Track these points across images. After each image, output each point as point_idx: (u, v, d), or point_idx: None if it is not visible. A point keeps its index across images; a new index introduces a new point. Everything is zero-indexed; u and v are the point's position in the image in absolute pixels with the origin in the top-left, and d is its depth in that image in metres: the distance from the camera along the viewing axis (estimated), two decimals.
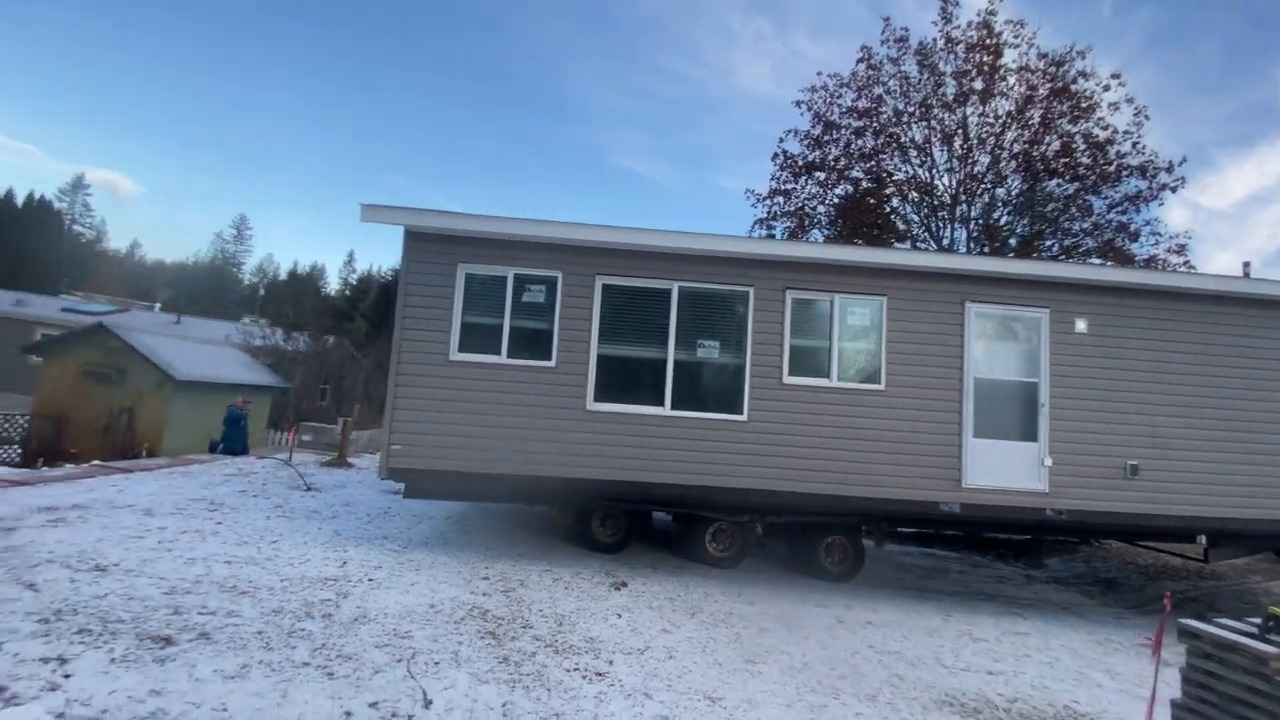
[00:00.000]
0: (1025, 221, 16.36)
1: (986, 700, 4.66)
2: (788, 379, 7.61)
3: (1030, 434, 7.68)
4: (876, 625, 6.10)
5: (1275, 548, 8.59)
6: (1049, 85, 15.36)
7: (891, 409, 7.61)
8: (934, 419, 7.62)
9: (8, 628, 3.50)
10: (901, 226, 17.44)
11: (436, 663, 3.90)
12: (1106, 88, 14.97)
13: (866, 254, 7.70)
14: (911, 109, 16.46)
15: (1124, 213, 15.22)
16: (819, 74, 18.11)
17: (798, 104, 17.84)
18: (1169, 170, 14.46)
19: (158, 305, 39.32)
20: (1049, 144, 15.50)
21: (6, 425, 12.30)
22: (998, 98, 15.80)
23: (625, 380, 7.63)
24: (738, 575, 7.61)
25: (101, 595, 4.20)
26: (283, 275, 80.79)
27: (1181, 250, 14.87)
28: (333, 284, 70.71)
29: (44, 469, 9.41)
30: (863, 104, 16.88)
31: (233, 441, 12.45)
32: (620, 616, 5.40)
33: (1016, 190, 16.16)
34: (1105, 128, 15.03)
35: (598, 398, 7.51)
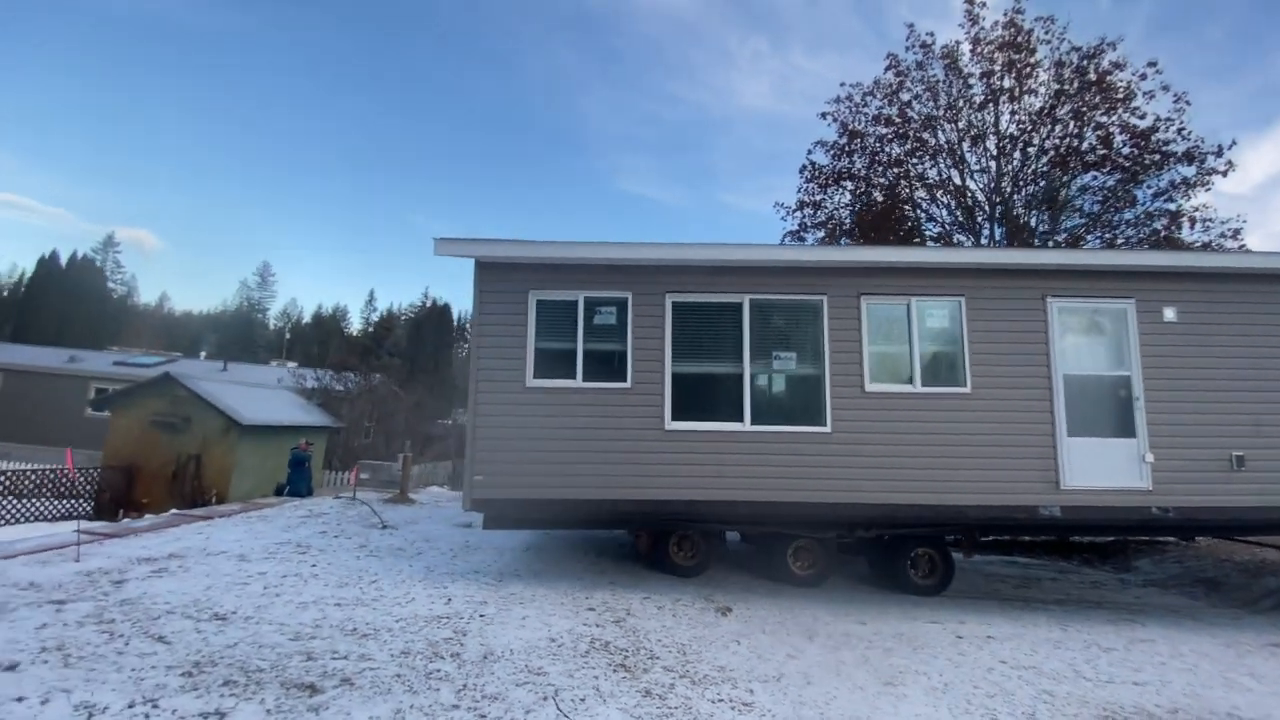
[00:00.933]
0: (1051, 216, 15.95)
1: (1147, 713, 4.33)
2: (870, 386, 7.38)
3: (1128, 430, 7.33)
4: (999, 639, 5.77)
5: None
6: (1079, 79, 15.12)
7: (979, 411, 7.33)
8: (1025, 419, 7.31)
9: (156, 683, 3.40)
10: (935, 231, 17.19)
11: (582, 699, 3.71)
12: (1143, 76, 14.69)
13: (941, 254, 7.49)
14: (940, 111, 16.32)
15: (1170, 200, 14.81)
16: (842, 84, 18.03)
17: (823, 115, 17.82)
18: (1218, 154, 14.07)
19: (203, 354, 40.20)
20: (1085, 138, 15.22)
21: (82, 479, 12.45)
22: (1028, 95, 15.60)
23: (702, 398, 7.47)
24: (832, 595, 7.32)
25: (232, 644, 4.10)
26: (307, 318, 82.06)
27: (1236, 234, 14.38)
28: (355, 323, 71.59)
29: (126, 519, 9.46)
30: (889, 111, 16.80)
31: (298, 483, 12.47)
32: (739, 643, 5.17)
33: (1044, 186, 15.82)
34: (1142, 116, 14.72)
35: (675, 416, 7.35)
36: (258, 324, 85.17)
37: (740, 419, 7.37)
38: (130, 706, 3.16)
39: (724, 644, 5.11)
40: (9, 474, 12.27)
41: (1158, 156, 14.38)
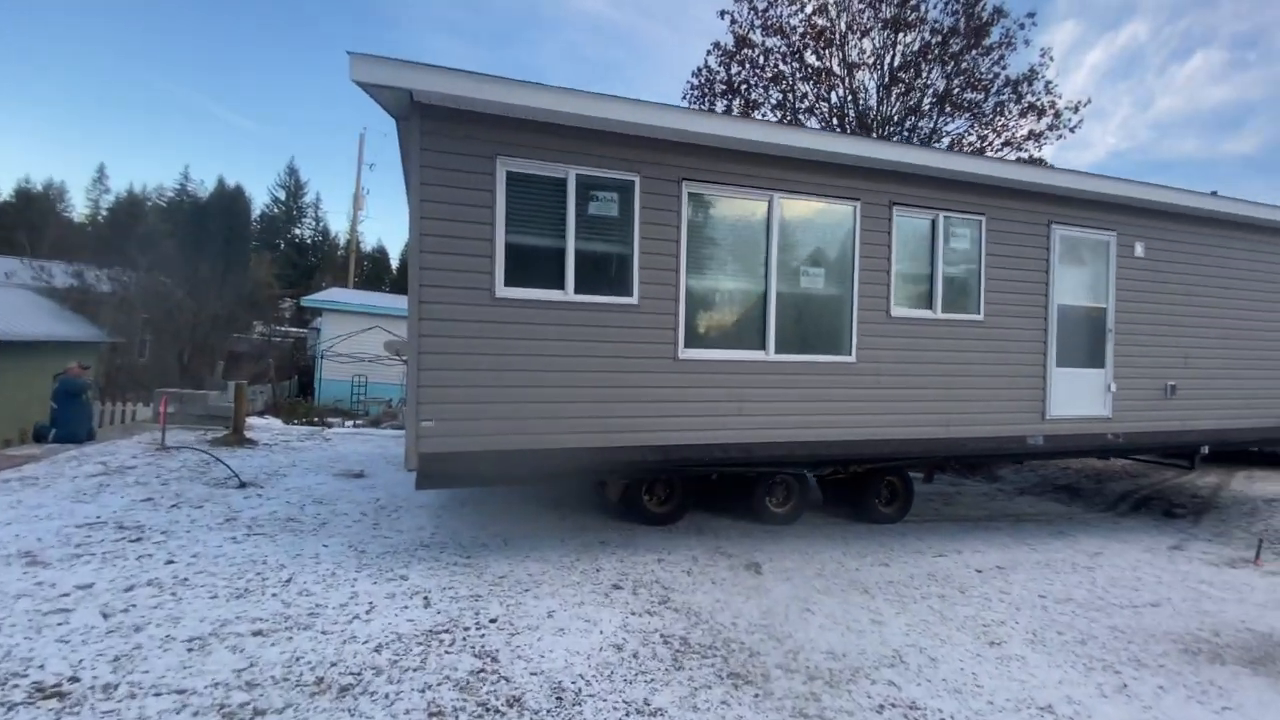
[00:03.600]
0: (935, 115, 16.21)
1: (1205, 640, 4.07)
2: (895, 311, 6.33)
3: (1098, 360, 7.28)
4: (1006, 569, 5.62)
5: (1252, 448, 9.61)
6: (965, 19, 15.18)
7: (989, 341, 6.71)
8: (1024, 349, 6.88)
9: None
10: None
11: None
12: (1021, 25, 15.12)
13: (972, 164, 6.47)
14: (840, 28, 15.45)
15: (1000, 62, 15.57)
16: None
17: (722, 14, 16.03)
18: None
19: None
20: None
21: None
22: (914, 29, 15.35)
23: (720, 320, 5.83)
24: (813, 530, 6.54)
25: None
26: (5, 195, 59.45)
27: (1077, 109, 15.44)
28: (79, 206, 52.62)
29: None
30: (792, 19, 15.56)
31: (72, 424, 8.37)
32: (811, 613, 4.23)
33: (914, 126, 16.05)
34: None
35: (689, 343, 5.64)
36: None
37: (762, 346, 5.90)
38: None
39: (797, 615, 4.20)
40: None
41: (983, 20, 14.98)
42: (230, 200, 45.66)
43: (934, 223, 6.48)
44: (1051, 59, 16.02)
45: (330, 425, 13.10)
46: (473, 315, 5.00)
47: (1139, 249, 7.41)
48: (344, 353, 18.42)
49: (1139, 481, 10.84)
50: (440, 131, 4.90)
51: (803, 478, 7.05)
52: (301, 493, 6.57)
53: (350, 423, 14.05)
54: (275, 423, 13.39)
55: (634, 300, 5.45)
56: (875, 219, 6.23)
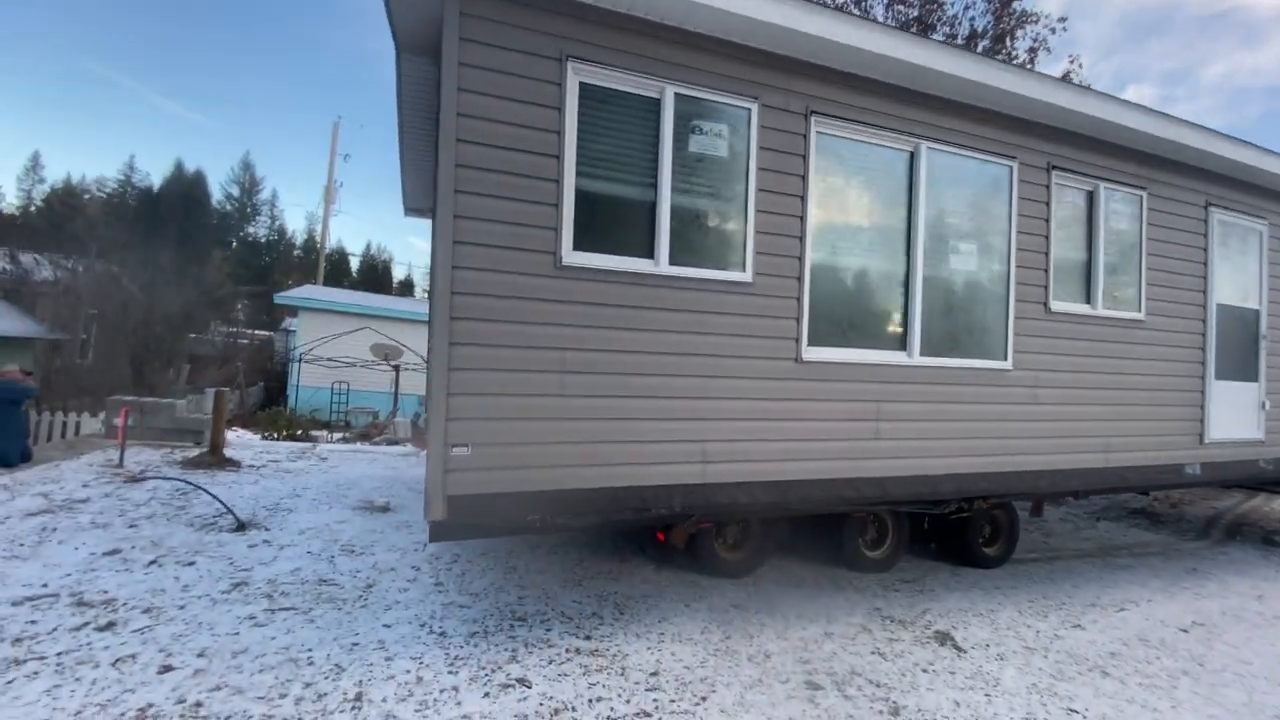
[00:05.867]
0: None
1: None
2: (1054, 305, 4.79)
3: (1251, 373, 5.88)
4: (1204, 625, 4.33)
5: None
6: None
7: (1151, 346, 5.24)
8: (1184, 356, 5.43)
9: None
10: None
11: None
12: None
13: (1140, 119, 4.97)
14: None
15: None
16: None
17: None
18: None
19: None
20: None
21: None
22: None
23: (851, 310, 4.18)
24: (931, 579, 4.97)
25: None
26: None
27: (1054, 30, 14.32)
28: (10, 196, 47.30)
29: None
30: None
31: (4, 443, 6.14)
32: (1078, 714, 2.55)
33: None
34: None
35: (813, 340, 3.98)
36: None
37: (903, 346, 4.27)
38: None
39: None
40: None
41: None
42: (188, 187, 42.24)
43: (1092, 195, 4.99)
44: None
45: (318, 440, 11.06)
46: (528, 289, 3.26)
47: None
48: (325, 356, 16.26)
49: (1214, 505, 9.57)
50: (488, 14, 3.17)
51: (900, 513, 5.46)
52: (322, 537, 4.75)
53: (336, 436, 11.98)
54: (250, 437, 11.24)
55: (747, 277, 3.77)
56: (1033, 184, 4.70)
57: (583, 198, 3.41)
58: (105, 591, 3.42)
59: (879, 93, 4.12)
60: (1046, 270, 4.74)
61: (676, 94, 3.58)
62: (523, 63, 3.24)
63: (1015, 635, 3.98)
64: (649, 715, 2.79)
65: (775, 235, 3.85)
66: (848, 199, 4.14)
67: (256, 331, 27.48)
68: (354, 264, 54.78)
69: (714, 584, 4.63)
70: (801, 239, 3.91)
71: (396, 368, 17.15)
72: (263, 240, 53.95)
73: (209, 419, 8.55)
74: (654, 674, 3.17)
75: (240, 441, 9.18)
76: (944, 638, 3.88)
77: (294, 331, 20.96)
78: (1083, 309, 4.93)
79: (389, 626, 3.48)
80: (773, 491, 3.86)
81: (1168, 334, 5.32)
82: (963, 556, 5.69)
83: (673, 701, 2.92)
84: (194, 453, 7.57)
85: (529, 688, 2.93)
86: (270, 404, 17.50)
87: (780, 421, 3.87)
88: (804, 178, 3.91)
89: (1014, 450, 4.60)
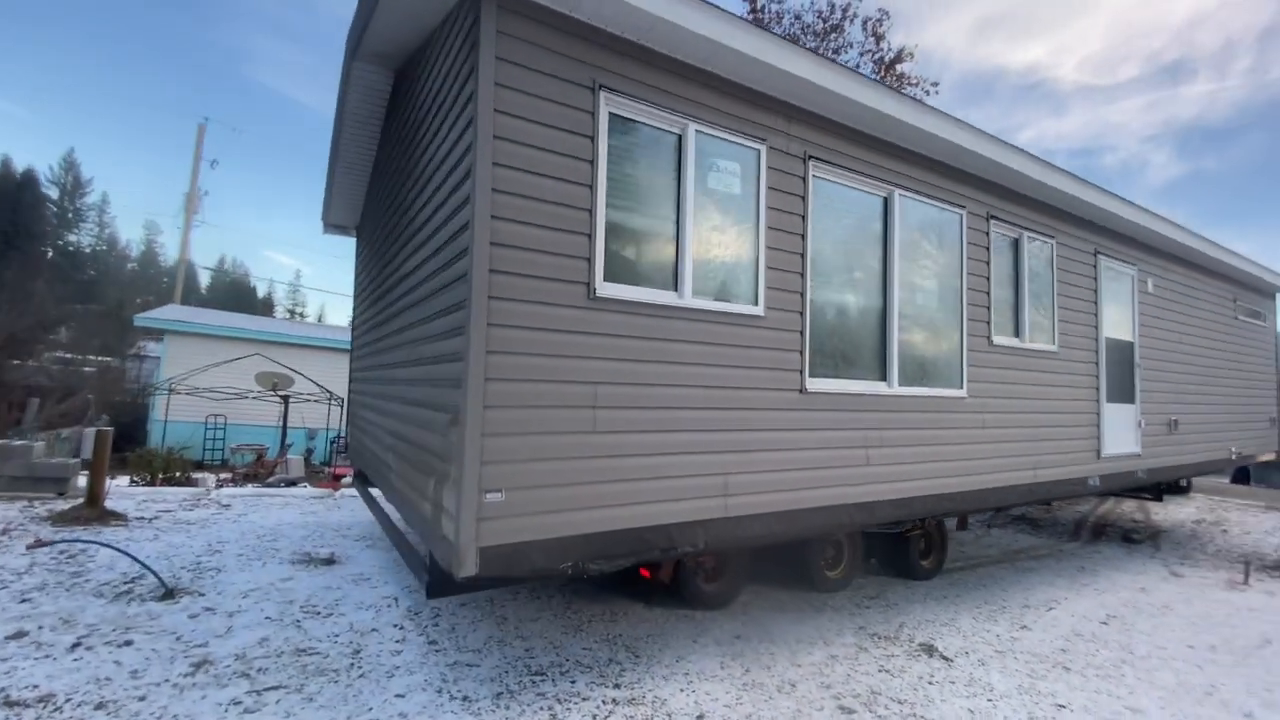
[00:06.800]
0: None
1: None
2: (996, 339, 5.37)
3: (1130, 395, 6.93)
4: (1118, 618, 4.99)
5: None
6: None
7: (1062, 374, 6.02)
8: (1084, 382, 6.29)
9: None
10: None
11: None
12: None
13: (1060, 179, 5.75)
14: None
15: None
16: None
17: None
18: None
19: None
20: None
21: None
22: None
23: (842, 342, 4.41)
24: (887, 597, 5.31)
25: None
26: None
27: (899, 58, 16.23)
28: None
29: None
30: None
31: None
32: (1066, 708, 2.72)
33: None
34: None
35: (814, 370, 4.16)
36: None
37: (884, 377, 4.58)
38: None
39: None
40: None
41: None
42: (16, 189, 36.11)
43: (1018, 242, 5.70)
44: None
45: (207, 484, 9.61)
46: (564, 321, 3.12)
47: (1150, 285, 7.29)
48: (203, 387, 14.30)
49: (1078, 510, 11.05)
50: (526, 36, 3.05)
51: (854, 536, 5.80)
52: (273, 599, 4.10)
53: (218, 478, 10.49)
54: (118, 483, 9.50)
55: (759, 311, 3.87)
56: (977, 231, 5.29)
57: (612, 229, 3.34)
58: (36, 686, 2.75)
59: (860, 141, 4.46)
60: (988, 308, 5.33)
61: (697, 131, 3.65)
62: (558, 89, 3.15)
63: (982, 640, 4.37)
64: None
65: (782, 271, 4.01)
66: (838, 239, 4.40)
67: (97, 358, 23.61)
68: (204, 278, 49.26)
69: (706, 616, 4.63)
70: (803, 275, 4.10)
71: (286, 399, 15.53)
72: (87, 250, 46.97)
73: (74, 464, 7.21)
74: (700, 717, 3.09)
75: (115, 490, 7.78)
76: (930, 649, 4.17)
77: (155, 358, 18.31)
78: (1014, 342, 5.58)
79: (402, 696, 3.11)
80: (784, 521, 3.94)
81: (1074, 364, 6.15)
82: (903, 570, 6.13)
83: None
84: (61, 505, 6.31)
85: None
86: (127, 442, 15.06)
87: (789, 451, 3.97)
88: (804, 217, 4.12)
89: (971, 471, 5.06)
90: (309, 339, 16.89)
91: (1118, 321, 6.86)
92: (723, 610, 4.81)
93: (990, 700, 3.46)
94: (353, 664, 3.47)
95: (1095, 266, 6.53)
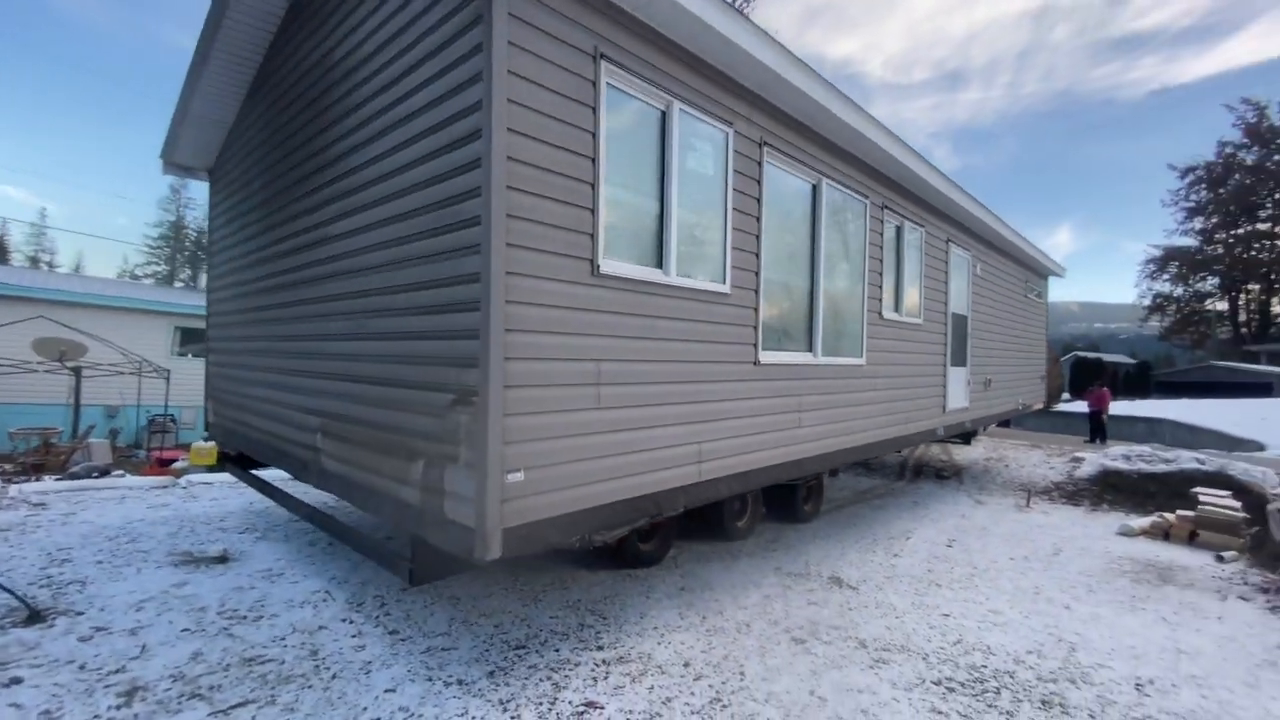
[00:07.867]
0: None
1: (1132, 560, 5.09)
2: (885, 314, 6.23)
3: (964, 359, 8.46)
4: (957, 541, 6.15)
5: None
6: None
7: (924, 343, 7.17)
8: (938, 351, 7.56)
9: None
10: None
11: None
12: None
13: (943, 184, 6.72)
14: None
15: None
16: None
17: None
18: None
19: None
20: None
21: None
22: None
23: (782, 318, 4.85)
24: (775, 540, 6.14)
25: None
26: None
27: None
28: None
29: None
30: None
31: None
32: (950, 616, 3.57)
33: None
34: None
35: (765, 344, 4.56)
36: None
37: (810, 348, 5.13)
38: None
39: (941, 619, 3.63)
40: None
41: None
42: None
43: (900, 229, 6.61)
44: None
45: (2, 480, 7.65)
46: (573, 298, 3.09)
47: (979, 268, 8.87)
48: None
49: (899, 454, 13.25)
50: (535, 13, 2.87)
51: (758, 491, 6.51)
52: (174, 608, 3.56)
53: (1, 470, 8.39)
54: None
55: (726, 289, 4.13)
56: (875, 219, 6.04)
57: (611, 204, 3.33)
58: None
59: (801, 132, 4.86)
60: (880, 286, 6.16)
61: (681, 110, 3.72)
62: (563, 54, 3.03)
63: (871, 569, 5.18)
64: (721, 701, 3.03)
65: (743, 251, 4.29)
66: (780, 222, 4.79)
67: None
68: None
69: (647, 574, 4.93)
70: (758, 255, 4.43)
71: (78, 370, 12.78)
72: None
73: None
74: (687, 665, 3.39)
75: None
76: (838, 581, 4.86)
77: None
78: (896, 316, 6.53)
79: (393, 690, 2.98)
80: (741, 481, 4.34)
81: (933, 334, 7.36)
82: (790, 516, 6.99)
83: (725, 683, 3.21)
84: None
85: (601, 709, 2.89)
86: None
87: (746, 419, 4.34)
88: (759, 200, 4.43)
89: (868, 427, 5.92)
90: (108, 299, 13.87)
91: (959, 297, 8.29)
92: (659, 566, 5.14)
93: (898, 617, 4.20)
94: (317, 666, 3.21)
95: (947, 252, 7.80)
